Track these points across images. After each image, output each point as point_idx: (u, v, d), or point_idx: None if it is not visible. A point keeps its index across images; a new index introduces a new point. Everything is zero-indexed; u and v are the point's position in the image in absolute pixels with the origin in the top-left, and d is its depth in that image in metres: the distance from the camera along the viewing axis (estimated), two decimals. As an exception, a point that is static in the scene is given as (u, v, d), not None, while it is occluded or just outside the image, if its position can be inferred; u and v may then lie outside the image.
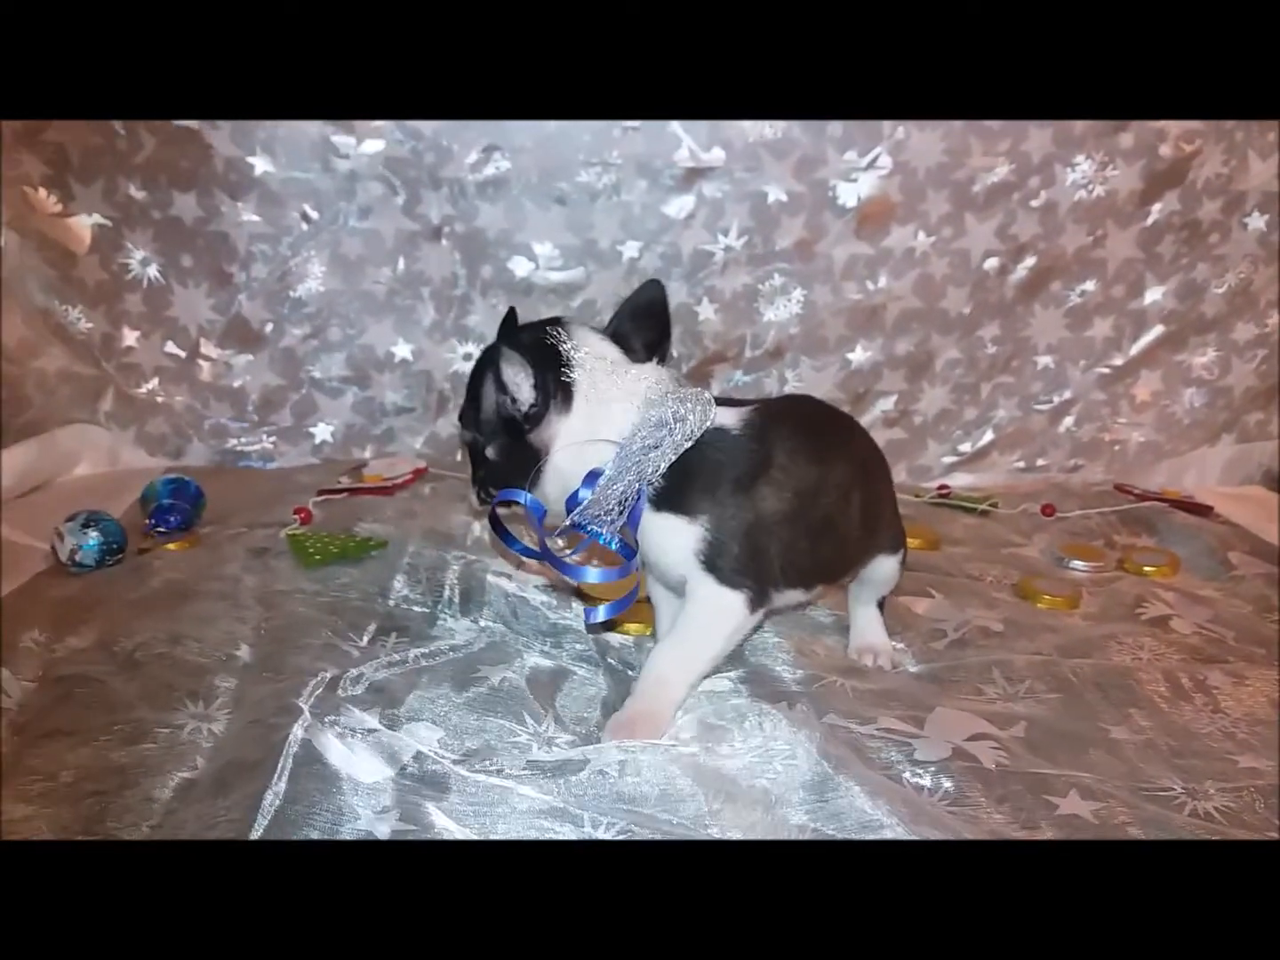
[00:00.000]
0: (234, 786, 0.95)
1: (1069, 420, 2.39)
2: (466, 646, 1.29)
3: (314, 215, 2.16)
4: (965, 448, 2.39)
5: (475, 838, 0.89)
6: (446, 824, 0.89)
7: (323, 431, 2.31)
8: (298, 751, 0.95)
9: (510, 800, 0.95)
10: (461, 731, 1.09)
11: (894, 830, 0.90)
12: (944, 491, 2.19)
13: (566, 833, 0.90)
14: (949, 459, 2.39)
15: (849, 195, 2.17)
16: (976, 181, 2.17)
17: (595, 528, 1.16)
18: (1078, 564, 1.83)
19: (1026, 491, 2.24)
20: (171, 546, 1.68)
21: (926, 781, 1.07)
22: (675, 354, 2.25)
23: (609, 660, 1.35)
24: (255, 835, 0.87)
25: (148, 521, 1.74)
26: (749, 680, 1.25)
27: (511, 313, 1.18)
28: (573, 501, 1.15)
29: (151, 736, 1.09)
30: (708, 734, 1.07)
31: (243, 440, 2.30)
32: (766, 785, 0.98)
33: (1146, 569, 1.80)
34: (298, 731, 0.98)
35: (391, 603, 1.41)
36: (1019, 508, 2.12)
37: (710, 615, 1.17)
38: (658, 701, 1.14)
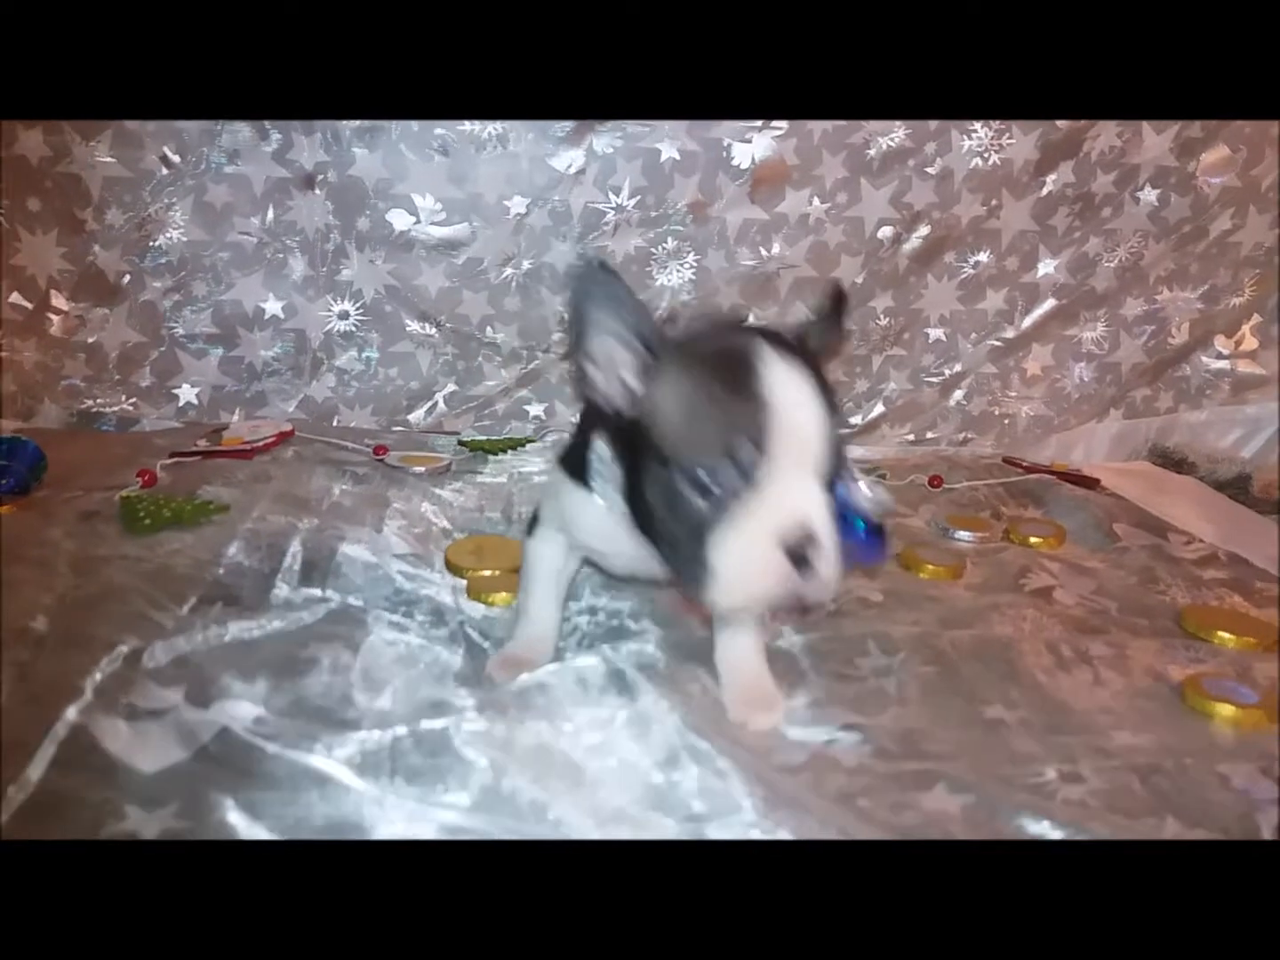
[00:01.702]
0: (-9, 775, 0.83)
1: (959, 393, 2.37)
2: (300, 618, 1.18)
3: (175, 159, 2.01)
4: (856, 420, 2.35)
5: (266, 834, 0.78)
6: (236, 819, 0.79)
7: (188, 393, 2.16)
8: (66, 738, 0.84)
9: (323, 780, 0.86)
10: (283, 710, 0.98)
11: (749, 814, 0.83)
12: (834, 463, 2.15)
13: (373, 816, 0.81)
14: (840, 432, 2.34)
15: (743, 156, 2.10)
16: (872, 146, 2.12)
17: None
18: (963, 534, 1.79)
19: (915, 463, 2.22)
20: (-1, 510, 1.53)
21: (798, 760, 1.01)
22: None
23: (469, 632, 1.26)
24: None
25: (-23, 483, 1.59)
26: (619, 652, 1.18)
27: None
28: None
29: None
30: (561, 709, 0.99)
31: (99, 401, 2.13)
32: (614, 765, 0.90)
33: (1032, 540, 1.77)
34: (69, 714, 0.87)
35: (222, 570, 1.29)
36: (906, 479, 2.09)
37: None
38: (769, 676, 1.14)
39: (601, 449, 1.07)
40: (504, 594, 1.39)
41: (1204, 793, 0.97)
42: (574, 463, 1.13)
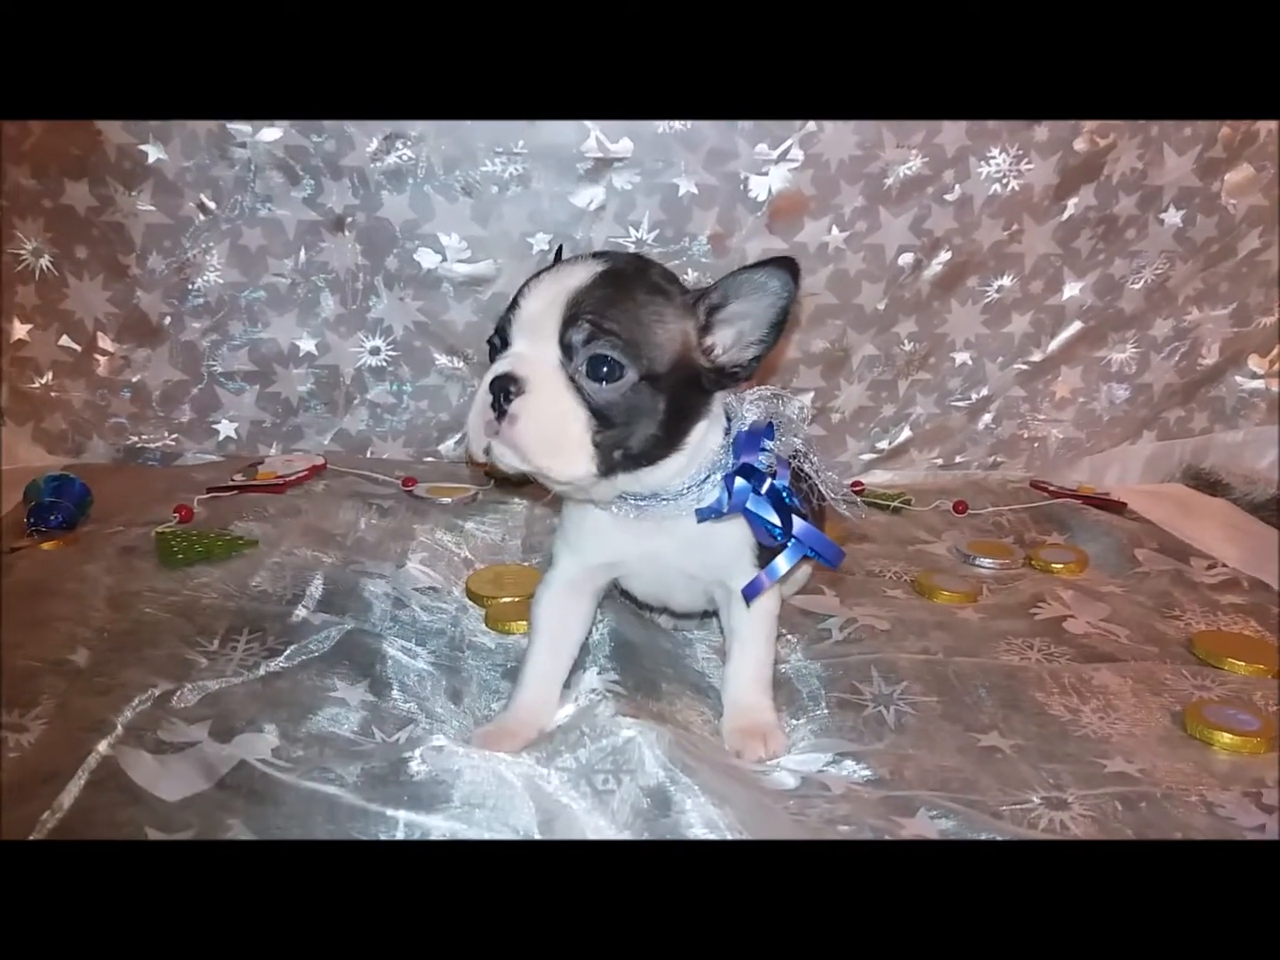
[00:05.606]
0: (26, 802, 0.88)
1: (987, 417, 2.37)
2: (320, 647, 1.23)
3: (211, 206, 2.09)
4: (883, 445, 2.36)
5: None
6: (245, 836, 0.83)
7: (227, 428, 2.24)
8: (96, 768, 0.90)
9: (334, 805, 0.90)
10: (299, 739, 1.03)
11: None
12: (858, 488, 2.16)
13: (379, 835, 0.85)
14: (867, 456, 2.36)
15: (760, 188, 2.13)
16: (889, 174, 2.14)
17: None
18: (984, 561, 1.80)
19: (943, 488, 2.22)
20: (46, 546, 1.60)
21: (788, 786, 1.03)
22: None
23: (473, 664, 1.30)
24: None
25: (27, 520, 1.67)
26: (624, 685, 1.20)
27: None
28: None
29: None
30: (553, 740, 1.03)
31: (144, 437, 2.22)
32: (602, 799, 0.93)
33: (1054, 566, 1.77)
34: (101, 748, 0.93)
35: (246, 602, 1.33)
36: (932, 504, 2.09)
37: (772, 600, 1.21)
38: (769, 709, 1.18)
39: None
40: (523, 622, 1.43)
41: (1188, 819, 0.97)
42: None
